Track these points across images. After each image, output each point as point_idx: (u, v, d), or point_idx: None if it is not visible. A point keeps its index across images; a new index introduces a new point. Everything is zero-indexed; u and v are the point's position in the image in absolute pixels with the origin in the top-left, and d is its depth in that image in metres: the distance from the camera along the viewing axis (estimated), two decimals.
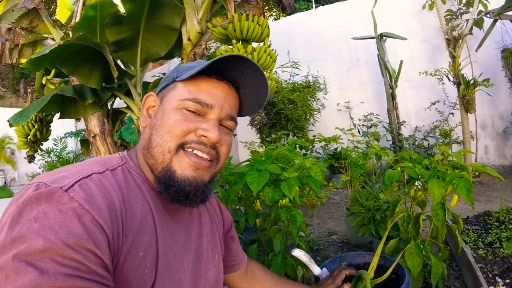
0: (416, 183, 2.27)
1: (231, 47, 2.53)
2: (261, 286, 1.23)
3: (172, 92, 0.80)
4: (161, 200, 0.79)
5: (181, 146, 0.77)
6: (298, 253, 1.54)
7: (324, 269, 1.66)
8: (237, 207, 3.19)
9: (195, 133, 0.77)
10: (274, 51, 2.64)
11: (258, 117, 2.51)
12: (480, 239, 2.95)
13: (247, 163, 2.58)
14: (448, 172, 1.96)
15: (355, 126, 6.05)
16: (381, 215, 2.71)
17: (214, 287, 0.91)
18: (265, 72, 0.83)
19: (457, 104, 5.49)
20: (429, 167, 2.13)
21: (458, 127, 5.50)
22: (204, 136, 0.77)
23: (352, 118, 6.54)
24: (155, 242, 0.72)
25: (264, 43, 2.61)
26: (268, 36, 2.63)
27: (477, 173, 4.61)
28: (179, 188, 0.75)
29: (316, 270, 1.60)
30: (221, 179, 2.61)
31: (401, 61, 5.60)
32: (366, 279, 1.52)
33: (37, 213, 0.57)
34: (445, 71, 5.43)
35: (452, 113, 5.82)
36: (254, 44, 2.60)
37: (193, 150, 0.77)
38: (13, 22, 2.54)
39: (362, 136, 5.59)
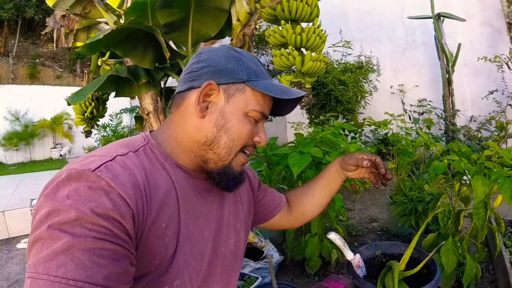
0: (465, 178, 2.21)
1: (280, 27, 2.53)
2: (307, 202, 1.27)
3: (242, 96, 0.84)
4: (184, 175, 0.86)
5: (241, 149, 0.87)
6: (333, 236, 1.58)
7: (357, 255, 1.70)
8: (280, 186, 3.25)
9: (252, 138, 0.88)
10: (324, 32, 2.60)
11: (306, 98, 2.49)
12: None
13: (291, 144, 2.62)
14: (495, 169, 1.89)
15: (406, 112, 5.86)
16: (423, 207, 2.66)
17: (234, 252, 1.00)
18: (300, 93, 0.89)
19: None
20: (477, 162, 2.07)
21: None
22: (259, 143, 0.89)
23: (404, 103, 6.29)
24: (177, 214, 0.79)
25: (313, 24, 2.57)
26: (317, 16, 2.59)
27: None
28: (236, 181, 0.89)
29: (349, 255, 1.63)
30: (265, 158, 2.68)
31: (459, 44, 5.31)
32: (395, 270, 1.54)
33: (69, 191, 0.65)
34: (505, 58, 5.08)
35: (511, 105, 5.47)
36: (303, 25, 2.58)
37: (246, 152, 0.89)
38: (67, 9, 2.66)
39: (413, 123, 5.41)
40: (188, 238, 0.81)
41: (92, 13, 2.77)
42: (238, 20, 2.43)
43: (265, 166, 2.67)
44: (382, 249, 2.00)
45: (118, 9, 2.91)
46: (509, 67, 5.05)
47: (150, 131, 0.91)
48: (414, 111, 5.91)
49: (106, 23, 2.79)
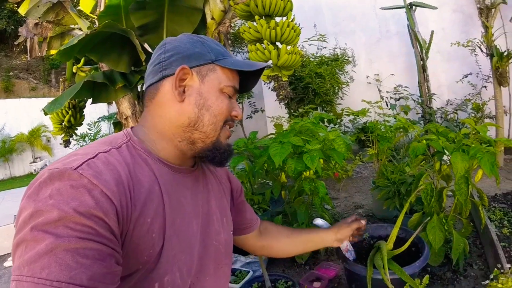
0: (445, 157, 2.25)
1: (254, 23, 2.53)
2: (278, 239, 1.30)
3: (214, 75, 0.89)
4: (168, 170, 0.86)
5: (224, 124, 0.90)
6: (319, 222, 1.58)
7: (346, 241, 1.70)
8: (264, 180, 3.25)
9: (230, 113, 0.91)
10: (298, 25, 2.62)
11: (283, 91, 2.49)
12: (506, 218, 2.92)
13: (272, 136, 2.62)
14: (473, 145, 1.93)
15: (383, 99, 5.94)
16: (405, 189, 2.71)
17: (225, 248, 1.00)
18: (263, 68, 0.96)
19: (490, 77, 5.29)
20: (455, 140, 2.11)
21: (491, 101, 5.31)
22: (236, 116, 0.93)
23: (380, 91, 6.38)
24: (162, 209, 0.79)
25: (287, 18, 2.59)
26: (291, 10, 2.61)
27: (502, 148, 4.47)
28: (227, 154, 0.92)
29: None
30: (247, 153, 2.67)
31: (432, 32, 5.42)
32: (384, 249, 1.56)
33: (51, 191, 0.65)
34: (477, 42, 5.20)
35: (485, 87, 5.61)
36: (278, 19, 2.59)
37: (228, 126, 0.93)
38: (39, 17, 2.61)
39: (390, 108, 5.50)
40: (175, 232, 0.81)
41: (65, 19, 2.72)
42: (213, 18, 2.43)
43: (247, 161, 2.66)
44: (369, 231, 2.02)
45: (91, 15, 2.87)
46: (482, 50, 5.16)
47: (131, 128, 0.91)
48: (390, 97, 6.00)
49: (80, 29, 2.75)
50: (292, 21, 2.59)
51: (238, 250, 1.27)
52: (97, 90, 2.58)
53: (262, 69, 0.95)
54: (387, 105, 5.70)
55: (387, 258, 1.56)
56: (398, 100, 5.91)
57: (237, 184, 1.19)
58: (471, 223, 2.26)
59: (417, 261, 1.67)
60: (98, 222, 0.64)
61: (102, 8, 2.60)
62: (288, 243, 1.31)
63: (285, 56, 2.52)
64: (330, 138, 2.24)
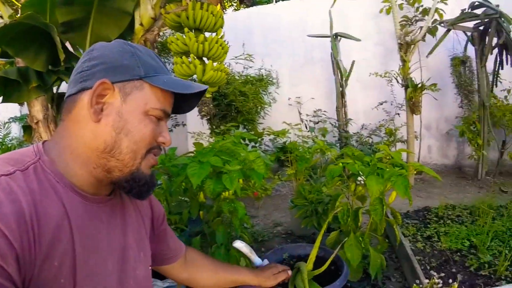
0: (359, 178, 2.33)
1: (183, 35, 2.48)
2: (202, 272, 1.22)
3: (140, 94, 0.76)
4: (80, 200, 0.74)
5: (148, 152, 0.79)
6: (239, 244, 1.54)
7: (265, 260, 1.68)
8: (182, 198, 3.13)
9: (156, 139, 0.81)
10: (227, 43, 2.62)
11: (206, 108, 2.47)
12: (419, 233, 3.14)
13: (191, 154, 2.54)
14: (387, 169, 2.03)
15: (302, 121, 6.15)
16: (323, 208, 2.78)
17: (144, 285, 0.89)
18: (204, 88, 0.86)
19: (403, 105, 5.70)
20: (370, 164, 2.20)
21: (403, 127, 5.72)
22: (164, 143, 0.82)
23: (300, 114, 6.61)
24: (72, 249, 0.68)
25: (217, 34, 2.58)
26: (221, 27, 2.62)
27: (416, 171, 4.84)
28: (148, 185, 0.81)
29: (257, 261, 1.60)
30: (164, 170, 2.55)
31: (353, 61, 5.79)
32: (304, 271, 1.54)
33: None
34: (394, 74, 5.62)
35: (399, 114, 6.05)
36: (207, 34, 2.57)
37: (154, 154, 0.82)
38: None
39: (309, 131, 5.70)
40: (88, 275, 0.70)
41: None
42: (141, 24, 2.36)
43: (164, 178, 2.54)
44: (289, 251, 2.01)
45: (16, 2, 2.62)
46: (398, 81, 5.58)
47: (43, 142, 0.77)
48: (310, 121, 6.23)
49: (1, 16, 2.49)
50: (221, 38, 2.58)
51: (155, 273, 1.17)
52: (9, 88, 2.37)
53: (204, 91, 0.85)
54: (306, 128, 5.90)
55: (308, 279, 1.55)
56: (317, 123, 6.16)
57: (160, 210, 1.08)
58: (386, 240, 2.38)
59: (337, 280, 1.68)
60: None
61: None
62: (213, 278, 1.23)
63: (210, 72, 2.49)
64: (250, 159, 2.22)
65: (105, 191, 0.81)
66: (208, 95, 2.72)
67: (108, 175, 0.76)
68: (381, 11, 6.20)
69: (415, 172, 5.05)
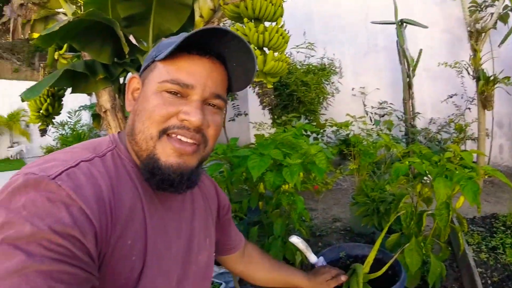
0: (425, 178, 2.23)
1: (243, 26, 2.49)
2: (257, 269, 1.24)
3: (152, 74, 0.75)
4: (152, 187, 0.76)
5: (164, 132, 0.72)
6: (295, 240, 1.53)
7: (321, 258, 1.66)
8: (243, 187, 3.19)
9: (177, 117, 0.72)
10: (287, 32, 2.58)
11: (267, 98, 2.47)
12: (484, 242, 2.92)
13: (252, 146, 2.56)
14: (457, 171, 1.91)
15: (367, 114, 5.97)
16: (385, 208, 2.68)
17: (204, 271, 0.92)
18: (250, 46, 0.75)
19: (475, 99, 5.35)
20: (438, 164, 2.08)
21: (474, 123, 5.37)
22: (186, 120, 0.72)
23: (365, 105, 6.42)
24: (144, 231, 0.71)
25: (277, 23, 2.55)
26: (281, 15, 2.57)
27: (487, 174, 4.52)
28: (163, 177, 0.72)
29: (312, 258, 1.59)
30: (226, 160, 2.61)
31: (421, 50, 5.47)
32: (360, 273, 1.51)
33: (25, 200, 0.57)
34: (465, 64, 5.26)
35: (469, 108, 5.70)
36: (267, 24, 2.55)
37: (176, 136, 0.73)
38: None
39: (374, 124, 5.52)
40: (155, 256, 0.73)
41: (51, 2, 2.64)
42: (201, 16, 2.38)
43: (226, 167, 2.60)
44: (346, 250, 1.97)
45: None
46: (468, 73, 5.22)
47: (118, 132, 0.82)
48: (375, 113, 6.03)
49: (65, 13, 2.67)
50: (281, 27, 2.55)
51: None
52: (77, 80, 2.49)
53: (238, 40, 0.74)
54: (371, 121, 5.72)
55: (363, 282, 1.52)
56: (383, 116, 5.95)
57: (225, 201, 1.10)
58: (449, 247, 2.26)
59: (394, 286, 1.62)
60: (74, 243, 0.57)
61: None
62: (266, 276, 1.25)
63: (271, 63, 2.47)
64: (311, 153, 2.19)
65: None
66: (269, 85, 2.71)
67: (139, 161, 0.75)
68: None
69: (485, 176, 4.72)
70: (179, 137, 0.72)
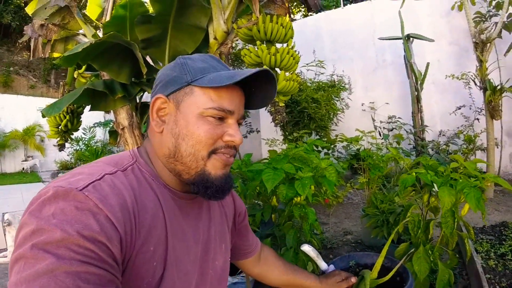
0: (434, 189, 2.29)
1: (255, 47, 2.60)
2: (272, 271, 1.30)
3: (191, 98, 0.80)
4: (171, 196, 0.84)
5: (213, 152, 0.81)
6: (306, 248, 1.60)
7: (331, 266, 1.72)
8: (255, 201, 3.27)
9: (222, 138, 0.82)
10: (297, 52, 2.69)
11: (279, 116, 2.57)
12: (492, 250, 2.94)
13: (266, 161, 2.66)
14: (460, 180, 1.98)
15: (375, 128, 6.03)
16: (394, 218, 2.74)
17: (221, 275, 0.98)
18: (275, 77, 0.84)
19: (483, 109, 5.37)
20: (443, 174, 2.15)
21: (483, 133, 5.38)
22: (232, 141, 0.82)
23: (374, 120, 6.48)
24: (165, 237, 0.78)
25: (287, 44, 2.66)
26: (291, 37, 2.69)
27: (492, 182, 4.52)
28: (217, 188, 0.83)
29: (323, 266, 1.65)
30: (240, 174, 2.70)
31: (428, 63, 5.55)
32: (367, 278, 1.57)
33: (55, 209, 0.63)
34: (472, 75, 5.32)
35: (478, 119, 5.71)
36: (278, 45, 2.65)
37: (223, 154, 0.83)
38: (46, 19, 2.65)
39: (383, 138, 5.58)
40: (175, 260, 0.80)
41: (71, 24, 2.76)
42: (215, 38, 2.49)
43: (240, 182, 2.69)
44: (356, 259, 2.02)
45: (96, 22, 2.93)
46: (475, 84, 5.26)
47: (137, 148, 0.89)
48: (384, 128, 6.08)
49: (84, 35, 2.80)
50: (292, 48, 2.66)
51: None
52: (97, 98, 2.63)
53: (268, 75, 0.83)
54: (380, 135, 5.77)
55: (371, 287, 1.58)
56: (391, 130, 5.99)
57: (241, 207, 1.16)
58: (458, 255, 2.30)
59: None
60: (101, 248, 0.62)
61: (108, 18, 2.67)
62: (281, 278, 1.31)
63: (283, 83, 2.58)
64: (322, 166, 2.28)
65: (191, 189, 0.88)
66: (281, 104, 2.81)
67: (180, 178, 0.84)
68: (452, 7, 5.93)
69: (493, 183, 4.71)
70: (225, 154, 0.83)
